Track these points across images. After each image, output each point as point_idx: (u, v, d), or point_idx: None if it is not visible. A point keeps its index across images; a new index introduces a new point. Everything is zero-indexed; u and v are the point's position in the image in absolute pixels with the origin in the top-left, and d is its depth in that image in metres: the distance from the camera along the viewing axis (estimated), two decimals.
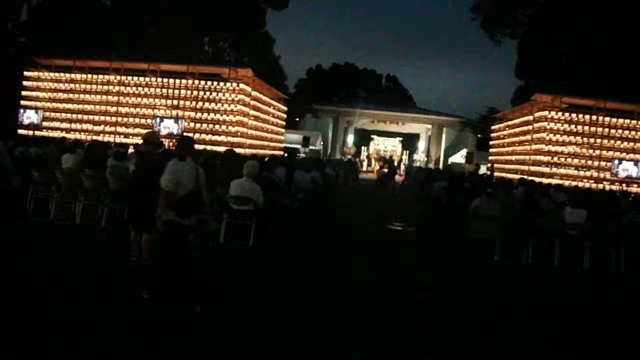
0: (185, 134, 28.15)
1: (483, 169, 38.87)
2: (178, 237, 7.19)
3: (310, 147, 43.17)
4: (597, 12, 39.06)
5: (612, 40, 38.31)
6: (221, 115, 28.57)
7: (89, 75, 30.69)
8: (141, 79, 29.85)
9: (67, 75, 30.89)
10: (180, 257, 7.24)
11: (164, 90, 29.42)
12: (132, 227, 8.84)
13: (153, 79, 29.66)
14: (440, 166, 48.23)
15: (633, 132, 28.27)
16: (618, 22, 38.13)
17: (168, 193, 7.03)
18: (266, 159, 18.98)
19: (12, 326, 6.00)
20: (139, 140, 10.94)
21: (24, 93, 31.32)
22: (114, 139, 28.55)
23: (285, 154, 33.26)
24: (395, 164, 49.15)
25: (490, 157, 38.25)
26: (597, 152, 28.11)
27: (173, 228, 7.09)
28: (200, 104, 28.88)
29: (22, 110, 30.99)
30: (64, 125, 30.12)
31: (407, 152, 58.78)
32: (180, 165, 7.17)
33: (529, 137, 30.34)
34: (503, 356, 6.65)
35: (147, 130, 22.24)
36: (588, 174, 28.04)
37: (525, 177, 22.78)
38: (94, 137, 27.84)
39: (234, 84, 28.73)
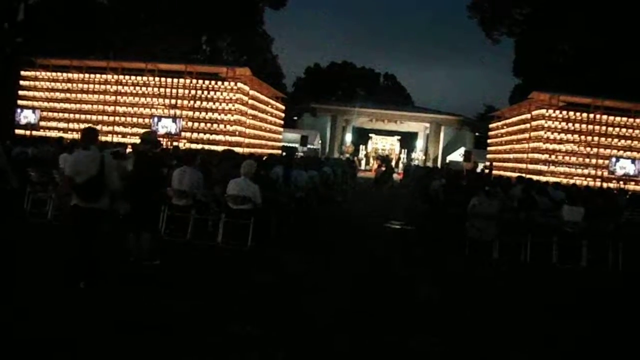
0: (183, 133, 28.23)
1: (481, 167, 38.89)
2: (82, 219, 7.59)
3: (309, 146, 43.17)
4: (593, 10, 39.07)
5: (609, 38, 38.33)
6: (219, 115, 28.62)
7: (87, 75, 30.79)
8: (139, 78, 29.91)
9: (65, 74, 30.96)
10: (88, 236, 7.64)
11: (162, 90, 29.49)
12: (129, 226, 8.85)
13: (151, 78, 29.70)
14: (439, 164, 48.27)
15: (630, 130, 28.37)
16: (615, 21, 38.15)
17: (68, 179, 7.54)
18: (264, 157, 18.99)
19: (8, 326, 5.99)
20: (137, 140, 10.94)
21: (21, 93, 31.38)
22: (111, 138, 28.54)
23: (284, 153, 33.27)
24: (394, 162, 49.18)
25: (488, 156, 38.33)
26: (595, 150, 28.20)
27: (77, 211, 7.54)
28: (198, 103, 28.94)
29: (19, 110, 31.04)
30: (62, 125, 30.18)
31: (405, 150, 58.80)
32: (81, 154, 7.61)
33: (526, 135, 30.42)
34: (502, 355, 6.64)
35: (145, 130, 22.29)
36: (585, 171, 28.12)
37: (523, 175, 22.79)
38: None
39: (232, 83, 28.78)
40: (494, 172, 30.91)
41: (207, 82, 29.11)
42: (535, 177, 22.64)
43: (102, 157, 7.59)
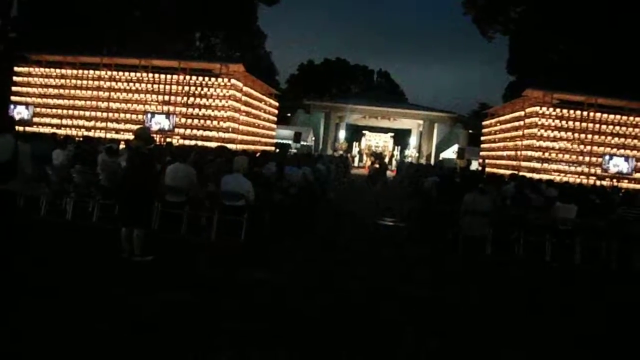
0: (176, 129, 28.22)
1: (475, 165, 38.96)
2: None
3: (302, 143, 43.16)
4: (588, 8, 39.15)
5: (602, 37, 38.43)
6: (212, 111, 28.59)
7: (80, 71, 30.68)
8: (132, 74, 29.86)
9: (58, 70, 30.90)
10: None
11: (155, 86, 29.46)
12: (122, 222, 8.84)
13: (144, 74, 29.67)
14: (432, 162, 48.35)
15: (623, 128, 28.44)
16: (609, 19, 38.25)
17: None
18: (257, 154, 18.99)
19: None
20: (131, 136, 10.94)
21: (14, 89, 31.33)
22: (105, 134, 28.55)
23: (277, 150, 33.29)
24: (387, 159, 49.24)
25: (482, 153, 38.39)
26: (588, 147, 28.28)
27: None
28: (191, 99, 28.88)
29: (12, 106, 30.95)
30: (55, 121, 30.14)
31: (399, 147, 58.74)
32: None
33: (520, 132, 30.47)
34: (495, 352, 6.65)
35: (138, 126, 22.25)
36: (579, 169, 28.19)
37: (516, 172, 22.85)
38: (85, 133, 27.83)
39: (225, 80, 28.76)
40: (487, 169, 31.03)
41: (200, 78, 29.09)
42: (528, 174, 22.71)
43: (15, 144, 7.76)
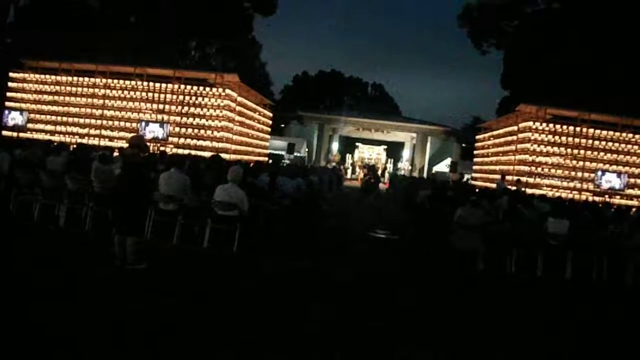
0: (170, 138, 28.20)
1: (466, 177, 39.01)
2: None
3: (295, 154, 43.22)
4: (581, 24, 39.37)
5: (596, 52, 38.61)
6: (206, 121, 28.58)
7: (75, 78, 30.63)
8: (127, 82, 29.85)
9: (53, 77, 30.88)
10: None
11: (150, 95, 29.43)
12: (116, 230, 8.83)
13: (139, 82, 29.65)
14: (425, 175, 48.46)
15: (616, 144, 28.48)
16: (602, 35, 38.46)
17: None
18: (251, 164, 19.00)
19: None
20: (125, 144, 10.95)
21: (8, 94, 31.28)
22: (98, 142, 28.51)
23: (270, 160, 33.30)
24: (380, 172, 49.31)
25: (475, 167, 38.49)
26: (581, 163, 28.30)
27: None
28: (185, 108, 28.88)
29: (6, 112, 30.91)
30: (49, 127, 30.10)
31: (392, 160, 58.85)
32: None
33: (513, 147, 30.52)
34: None
35: (132, 134, 22.25)
36: (571, 184, 28.21)
37: (509, 187, 22.87)
38: (79, 140, 27.80)
39: (220, 90, 28.77)
40: (481, 183, 31.10)
41: (195, 87, 29.07)
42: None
43: None
